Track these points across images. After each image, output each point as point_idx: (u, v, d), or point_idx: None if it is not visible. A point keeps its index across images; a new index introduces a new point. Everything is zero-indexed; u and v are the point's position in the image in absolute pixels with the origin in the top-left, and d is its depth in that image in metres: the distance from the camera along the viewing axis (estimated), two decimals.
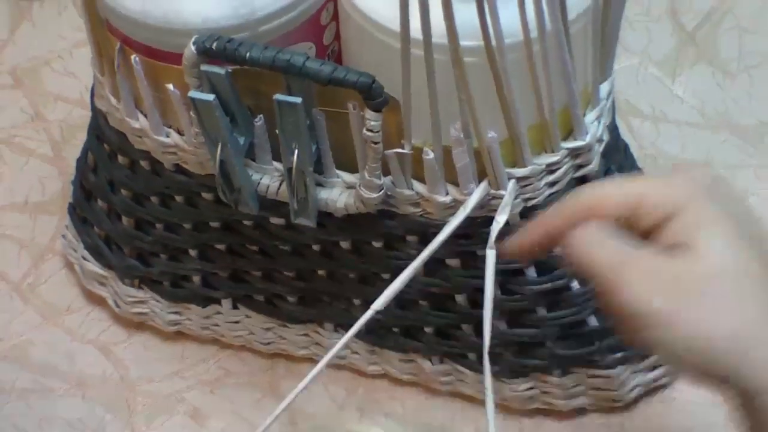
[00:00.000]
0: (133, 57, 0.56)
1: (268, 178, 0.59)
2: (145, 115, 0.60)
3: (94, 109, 0.66)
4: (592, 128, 0.58)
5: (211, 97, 0.53)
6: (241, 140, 0.56)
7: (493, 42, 0.49)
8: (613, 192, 0.49)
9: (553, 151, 0.57)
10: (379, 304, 0.56)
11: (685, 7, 0.89)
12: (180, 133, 0.60)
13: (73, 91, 0.85)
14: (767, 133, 0.81)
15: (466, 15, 0.49)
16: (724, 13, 0.88)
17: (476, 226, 0.58)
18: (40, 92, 0.86)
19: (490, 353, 0.58)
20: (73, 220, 0.72)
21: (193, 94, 0.54)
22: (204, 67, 0.53)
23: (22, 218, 0.79)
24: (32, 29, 0.90)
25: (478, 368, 0.67)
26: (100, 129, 0.65)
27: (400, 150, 0.55)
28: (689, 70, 0.85)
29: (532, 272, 0.61)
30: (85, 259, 0.72)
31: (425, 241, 0.58)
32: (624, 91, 0.84)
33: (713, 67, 0.85)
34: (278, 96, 0.53)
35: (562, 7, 0.49)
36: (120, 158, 0.65)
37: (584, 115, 0.58)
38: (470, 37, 0.50)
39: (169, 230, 0.66)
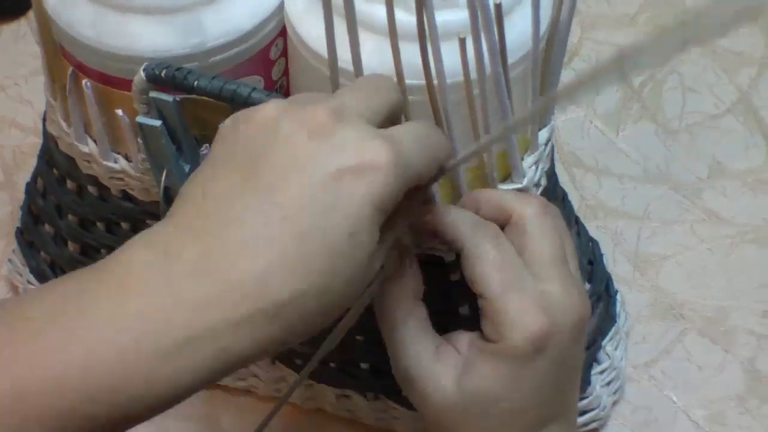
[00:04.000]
0: (84, 82, 0.58)
1: None
2: (95, 141, 0.61)
3: (46, 134, 0.66)
4: (530, 172, 0.59)
5: (157, 122, 0.54)
6: (186, 168, 0.57)
7: (435, 82, 0.51)
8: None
9: None
10: (332, 343, 0.56)
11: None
12: (128, 159, 0.61)
13: (28, 119, 0.86)
14: (705, 190, 0.83)
15: (411, 53, 0.50)
16: (669, 72, 0.91)
17: None
18: None
19: None
20: (20, 245, 0.73)
21: (141, 119, 0.55)
22: (153, 94, 0.54)
23: None
24: None
25: (412, 406, 0.68)
26: (50, 153, 0.66)
27: None
28: (633, 125, 0.87)
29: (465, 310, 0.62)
30: (30, 283, 0.73)
31: None
32: (569, 142, 0.86)
33: (656, 123, 0.88)
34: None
35: (502, 50, 0.51)
36: (68, 183, 0.65)
37: (523, 159, 0.59)
38: (413, 76, 0.51)
39: None
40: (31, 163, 0.81)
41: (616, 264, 0.79)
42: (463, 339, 0.54)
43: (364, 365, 0.67)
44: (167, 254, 0.43)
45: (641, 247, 0.80)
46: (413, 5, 0.49)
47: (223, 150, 0.46)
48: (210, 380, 0.43)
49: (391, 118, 0.48)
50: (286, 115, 0.45)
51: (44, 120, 0.67)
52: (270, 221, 0.43)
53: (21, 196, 0.79)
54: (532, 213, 0.54)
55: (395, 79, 0.50)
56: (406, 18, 0.50)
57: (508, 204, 0.55)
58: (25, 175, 0.81)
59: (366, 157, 0.44)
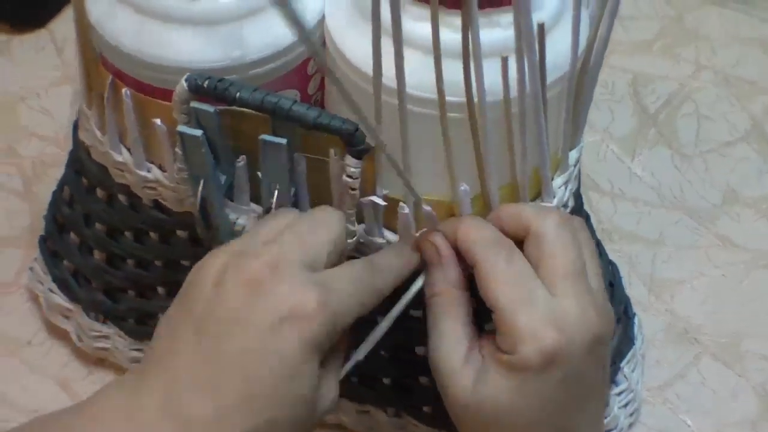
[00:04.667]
0: (123, 90, 0.58)
1: (244, 218, 0.60)
2: (129, 150, 0.62)
3: (76, 142, 0.67)
4: (559, 192, 0.60)
5: (199, 132, 0.55)
6: (222, 179, 0.58)
7: (476, 99, 0.52)
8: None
9: None
10: (360, 354, 0.58)
11: (648, 90, 0.93)
12: (161, 169, 0.61)
13: (48, 129, 0.87)
14: (719, 216, 0.85)
15: (451, 70, 0.51)
16: (684, 99, 0.92)
17: None
18: (15, 127, 0.87)
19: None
20: (43, 253, 0.73)
21: (182, 128, 0.55)
22: (194, 104, 0.55)
23: None
24: (10, 65, 0.92)
25: (432, 422, 0.69)
26: (80, 162, 0.67)
27: (376, 199, 0.57)
28: (648, 151, 0.89)
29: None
30: (51, 291, 0.73)
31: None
32: (585, 166, 0.86)
33: (671, 149, 0.89)
34: (264, 136, 0.55)
35: (542, 70, 0.52)
36: (98, 192, 0.66)
37: (552, 179, 0.60)
38: (452, 93, 0.52)
39: (140, 267, 0.68)
40: (51, 173, 0.82)
41: (631, 287, 0.79)
42: (487, 344, 0.55)
43: (386, 380, 0.68)
44: (133, 398, 0.50)
45: (656, 271, 0.81)
46: (455, 23, 0.50)
47: (185, 300, 0.53)
48: None
49: (336, 251, 0.54)
50: (230, 270, 0.51)
51: (75, 128, 0.67)
52: (217, 369, 0.50)
53: (41, 206, 0.79)
54: (550, 225, 0.55)
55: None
56: (449, 36, 0.51)
57: (527, 216, 0.56)
58: (44, 186, 0.82)
59: (296, 305, 0.50)
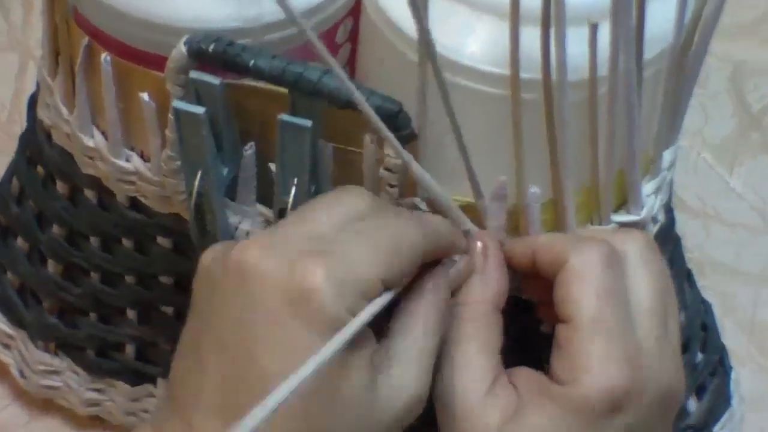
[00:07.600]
0: (103, 56, 0.59)
1: (248, 222, 0.61)
2: (103, 133, 0.63)
3: (32, 121, 0.68)
4: (649, 202, 0.61)
5: (200, 109, 0.56)
6: (224, 171, 0.59)
7: (554, 76, 0.53)
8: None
9: (600, 223, 0.60)
10: None
11: (751, 86, 0.93)
12: (143, 158, 0.62)
13: None
14: None
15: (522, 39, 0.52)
16: None
17: None
18: None
19: None
20: None
21: (179, 104, 0.56)
22: (194, 74, 0.56)
23: None
24: None
25: None
26: (37, 147, 0.67)
27: (418, 202, 0.58)
28: (751, 161, 0.90)
29: None
30: None
31: None
32: None
33: None
34: (283, 116, 0.55)
35: (639, 42, 0.53)
36: (58, 185, 0.67)
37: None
38: (523, 68, 0.53)
39: (106, 282, 0.69)
40: None
41: (725, 334, 0.80)
42: (523, 375, 0.55)
43: None
44: None
45: (759, 315, 0.82)
46: None
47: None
48: None
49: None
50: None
51: (31, 104, 0.68)
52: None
53: None
54: (635, 249, 0.56)
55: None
56: None
57: (609, 237, 0.56)
58: None
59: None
